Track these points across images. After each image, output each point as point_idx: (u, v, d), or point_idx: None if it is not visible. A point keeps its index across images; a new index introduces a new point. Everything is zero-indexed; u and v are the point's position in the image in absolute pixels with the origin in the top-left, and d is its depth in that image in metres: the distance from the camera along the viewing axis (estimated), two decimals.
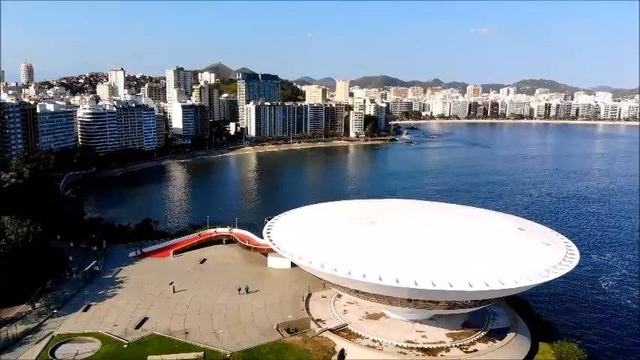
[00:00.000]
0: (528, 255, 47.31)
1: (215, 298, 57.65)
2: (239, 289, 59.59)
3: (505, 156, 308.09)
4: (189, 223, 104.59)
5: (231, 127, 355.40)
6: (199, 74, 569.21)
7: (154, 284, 62.25)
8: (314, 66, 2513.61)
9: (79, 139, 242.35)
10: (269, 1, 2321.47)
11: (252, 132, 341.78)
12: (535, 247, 49.04)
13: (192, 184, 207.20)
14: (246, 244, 72.74)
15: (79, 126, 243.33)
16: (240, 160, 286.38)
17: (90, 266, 66.41)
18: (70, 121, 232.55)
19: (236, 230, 79.62)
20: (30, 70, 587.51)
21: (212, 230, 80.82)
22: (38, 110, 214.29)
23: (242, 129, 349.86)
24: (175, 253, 73.91)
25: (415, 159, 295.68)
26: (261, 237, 69.75)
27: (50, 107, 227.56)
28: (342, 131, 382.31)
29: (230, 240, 78.60)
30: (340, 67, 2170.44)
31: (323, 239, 50.20)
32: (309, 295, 57.70)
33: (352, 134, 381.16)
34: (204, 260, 71.79)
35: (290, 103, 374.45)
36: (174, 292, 59.96)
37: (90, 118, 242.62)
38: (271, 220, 59.14)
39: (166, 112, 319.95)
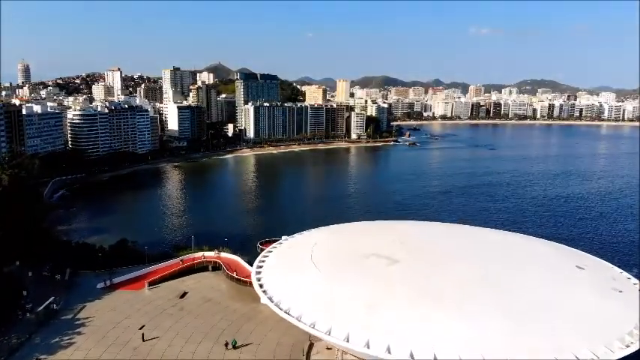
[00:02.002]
0: (601, 309, 36.10)
1: (193, 351, 46.23)
2: (226, 344, 47.61)
3: (512, 158, 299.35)
4: (173, 241, 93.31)
5: (229, 129, 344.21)
6: (198, 74, 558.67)
7: (121, 328, 50.86)
8: (314, 66, 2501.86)
9: (69, 142, 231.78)
10: (269, 1, 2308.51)
11: (250, 133, 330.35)
12: (607, 297, 37.88)
13: (183, 191, 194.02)
14: (235, 275, 60.71)
15: (69, 128, 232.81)
16: (238, 164, 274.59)
17: (46, 304, 55.15)
18: (58, 123, 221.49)
19: (224, 255, 68.08)
20: (27, 71, 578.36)
21: (197, 254, 69.22)
22: (24, 112, 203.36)
23: (240, 130, 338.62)
24: (151, 284, 62.35)
25: (420, 162, 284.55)
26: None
27: (37, 109, 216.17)
28: (344, 132, 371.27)
29: (217, 266, 67.02)
30: (340, 68, 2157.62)
31: (330, 286, 38.77)
32: (311, 345, 46.13)
33: (354, 136, 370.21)
34: (184, 294, 59.94)
35: (290, 104, 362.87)
36: (143, 340, 48.70)
37: (80, 119, 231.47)
38: (264, 253, 47.40)
39: (162, 113, 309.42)
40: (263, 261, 45.09)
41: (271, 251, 47.42)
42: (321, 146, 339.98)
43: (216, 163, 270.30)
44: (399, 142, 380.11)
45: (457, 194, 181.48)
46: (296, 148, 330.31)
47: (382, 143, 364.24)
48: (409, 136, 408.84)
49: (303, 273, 41.04)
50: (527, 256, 44.77)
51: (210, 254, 68.97)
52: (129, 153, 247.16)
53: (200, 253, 69.27)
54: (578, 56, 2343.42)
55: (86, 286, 61.68)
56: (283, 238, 57.82)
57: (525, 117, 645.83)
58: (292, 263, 43.64)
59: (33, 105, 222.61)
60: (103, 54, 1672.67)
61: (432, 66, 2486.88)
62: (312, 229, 53.06)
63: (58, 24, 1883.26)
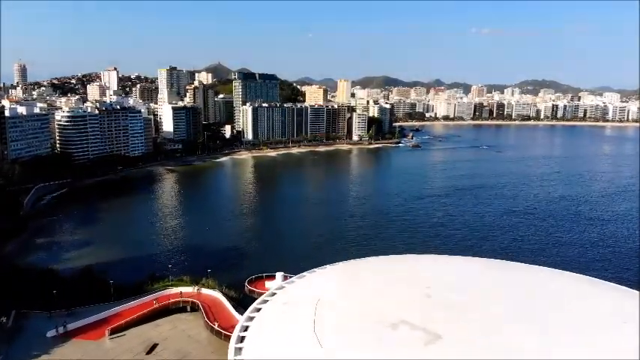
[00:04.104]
0: None
1: None
2: None
3: (520, 160, 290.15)
4: (152, 263, 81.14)
5: (227, 130, 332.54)
6: (197, 74, 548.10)
7: None
8: (314, 66, 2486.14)
9: (57, 145, 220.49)
10: (269, 2, 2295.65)
11: (248, 135, 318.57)
12: None
13: (171, 200, 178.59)
14: (216, 326, 47.85)
15: (57, 131, 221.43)
16: (234, 167, 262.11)
17: None
18: (44, 126, 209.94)
19: (206, 292, 56.06)
20: (23, 71, 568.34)
21: (174, 290, 57.11)
22: (7, 114, 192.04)
23: (238, 132, 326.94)
24: (114, 331, 50.20)
25: (426, 165, 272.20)
26: (241, 307, 47.20)
27: (22, 110, 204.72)
28: (345, 134, 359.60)
29: (195, 308, 54.90)
30: (340, 68, 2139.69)
31: None
32: None
33: (355, 137, 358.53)
34: (153, 347, 47.52)
35: (289, 105, 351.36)
36: None
37: (68, 121, 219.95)
38: (249, 312, 34.89)
39: (157, 115, 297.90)
40: (246, 327, 32.96)
41: (259, 309, 35.25)
42: (321, 148, 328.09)
43: (212, 167, 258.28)
44: (401, 143, 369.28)
45: (469, 204, 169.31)
46: (295, 150, 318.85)
47: (384, 145, 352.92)
48: (412, 138, 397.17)
49: (303, 356, 28.44)
50: (609, 315, 32.16)
51: (188, 290, 56.83)
52: (120, 156, 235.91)
53: (177, 289, 57.03)
54: (579, 56, 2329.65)
55: (34, 333, 49.73)
56: (278, 276, 46.39)
57: (529, 117, 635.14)
58: (287, 338, 30.99)
59: (17, 106, 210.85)
60: (104, 54, 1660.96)
61: (432, 66, 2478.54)
62: (316, 269, 41.05)
63: (59, 24, 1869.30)
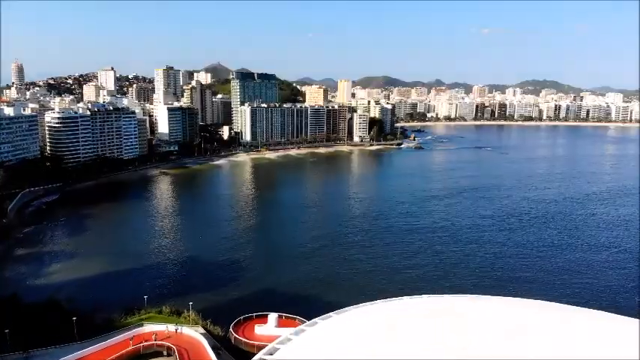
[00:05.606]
0: None
1: None
2: None
3: (527, 161, 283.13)
4: (129, 286, 72.42)
5: (225, 131, 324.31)
6: (195, 74, 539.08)
7: None
8: (314, 67, 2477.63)
9: (48, 148, 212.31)
10: (269, 2, 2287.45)
11: (247, 136, 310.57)
12: None
13: (164, 206, 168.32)
14: None
15: (47, 133, 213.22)
16: (230, 170, 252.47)
17: None
18: (33, 128, 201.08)
19: (186, 332, 47.64)
20: (20, 71, 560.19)
21: (149, 329, 48.40)
22: None
23: (236, 133, 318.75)
24: None
25: (431, 168, 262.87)
26: (225, 350, 38.95)
27: (9, 111, 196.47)
28: (345, 135, 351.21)
29: (171, 353, 45.76)
30: (340, 68, 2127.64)
31: None
32: None
33: (356, 138, 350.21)
34: None
35: (289, 105, 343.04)
36: None
37: (59, 123, 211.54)
38: None
39: (152, 115, 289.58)
40: None
41: None
42: (321, 150, 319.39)
43: (208, 169, 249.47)
44: (403, 145, 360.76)
45: (479, 209, 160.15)
46: (294, 151, 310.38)
47: (386, 147, 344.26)
48: (414, 139, 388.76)
49: None
50: None
51: (163, 329, 47.73)
52: (114, 159, 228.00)
53: (152, 328, 48.29)
54: (579, 56, 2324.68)
55: None
56: (271, 319, 38.22)
57: (531, 118, 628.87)
58: None
59: (5, 107, 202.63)
60: (104, 55, 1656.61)
61: (432, 66, 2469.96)
62: (317, 320, 32.68)
63: (59, 24, 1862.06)
